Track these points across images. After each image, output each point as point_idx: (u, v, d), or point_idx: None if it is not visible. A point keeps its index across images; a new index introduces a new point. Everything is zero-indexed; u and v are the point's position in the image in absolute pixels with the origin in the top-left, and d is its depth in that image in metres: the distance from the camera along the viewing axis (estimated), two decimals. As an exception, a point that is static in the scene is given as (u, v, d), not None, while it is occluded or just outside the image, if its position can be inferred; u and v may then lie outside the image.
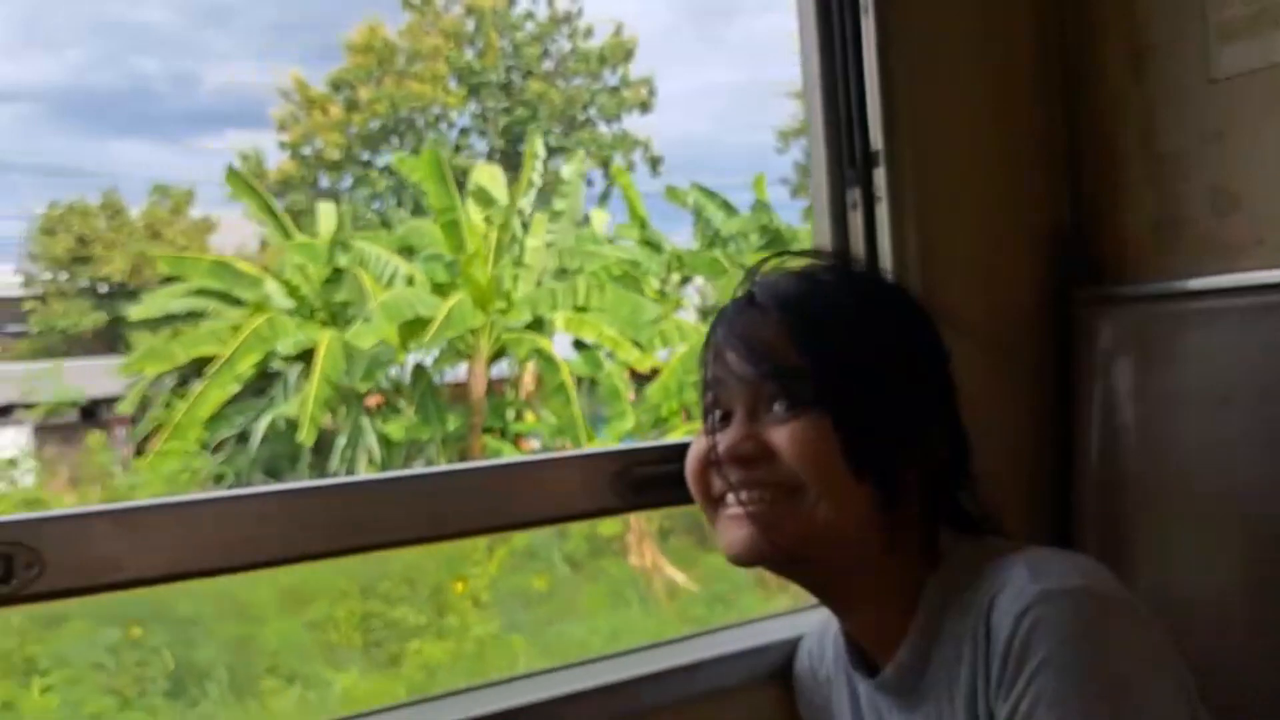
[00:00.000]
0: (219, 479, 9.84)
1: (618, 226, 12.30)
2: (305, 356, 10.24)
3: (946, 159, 1.39)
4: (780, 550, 0.94)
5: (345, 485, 1.11)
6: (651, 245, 11.67)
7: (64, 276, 17.77)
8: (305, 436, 9.50)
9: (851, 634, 1.05)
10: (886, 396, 0.95)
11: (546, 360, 10.07)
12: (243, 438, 10.43)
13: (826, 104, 1.37)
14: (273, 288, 10.86)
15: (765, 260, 1.04)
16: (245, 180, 11.94)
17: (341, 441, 10.21)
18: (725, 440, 0.96)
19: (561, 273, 11.02)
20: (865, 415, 0.93)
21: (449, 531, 1.14)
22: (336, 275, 10.83)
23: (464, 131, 20.68)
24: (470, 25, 20.31)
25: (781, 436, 0.93)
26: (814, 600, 1.34)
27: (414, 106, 19.65)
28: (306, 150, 19.77)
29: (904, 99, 1.35)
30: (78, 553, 0.93)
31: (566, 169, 11.65)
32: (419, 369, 10.75)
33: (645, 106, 21.12)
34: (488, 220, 10.84)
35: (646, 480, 1.21)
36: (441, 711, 1.10)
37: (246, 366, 9.98)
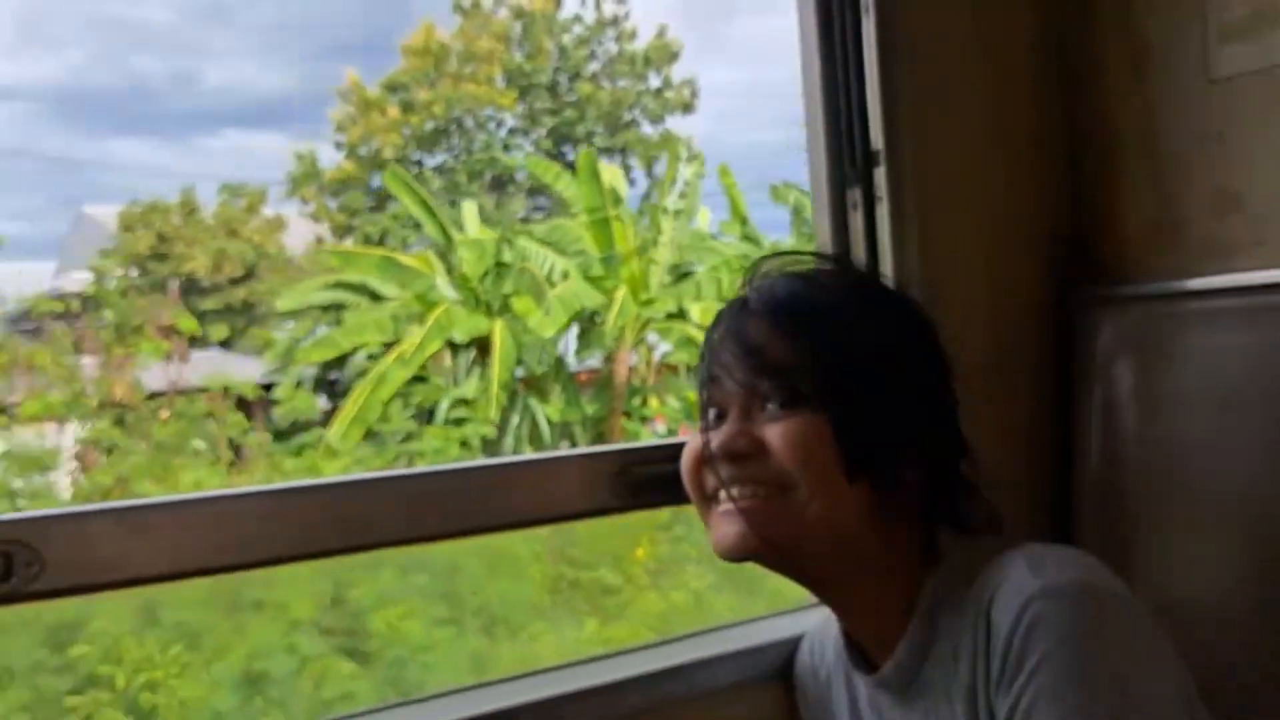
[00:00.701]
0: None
1: (721, 224, 13.16)
2: (471, 343, 11.47)
3: (947, 159, 1.39)
4: (770, 546, 0.94)
5: (344, 484, 1.11)
6: (752, 241, 12.49)
7: (140, 272, 18.25)
8: (494, 414, 10.65)
9: (850, 632, 1.06)
10: (882, 396, 0.95)
11: (696, 347, 10.91)
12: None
13: (827, 104, 1.37)
14: (440, 281, 11.91)
15: (764, 260, 1.05)
16: (405, 180, 12.88)
17: (515, 420, 11.21)
18: (718, 437, 0.97)
19: (675, 268, 12.01)
20: (860, 414, 0.93)
21: (449, 530, 1.14)
22: (498, 269, 11.77)
23: (511, 131, 21.26)
24: (518, 28, 20.87)
25: (774, 434, 0.94)
26: (815, 599, 1.34)
27: (468, 108, 20.33)
28: (362, 151, 20.39)
29: (904, 99, 1.35)
30: (77, 551, 0.93)
31: (688, 170, 12.47)
32: (558, 357, 11.85)
33: (688, 107, 21.56)
34: (617, 218, 11.76)
35: (645, 480, 1.21)
36: (440, 710, 1.10)
37: (429, 352, 10.96)
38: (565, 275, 11.32)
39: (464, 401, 11.01)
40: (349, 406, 10.42)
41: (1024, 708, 0.84)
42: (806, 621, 1.25)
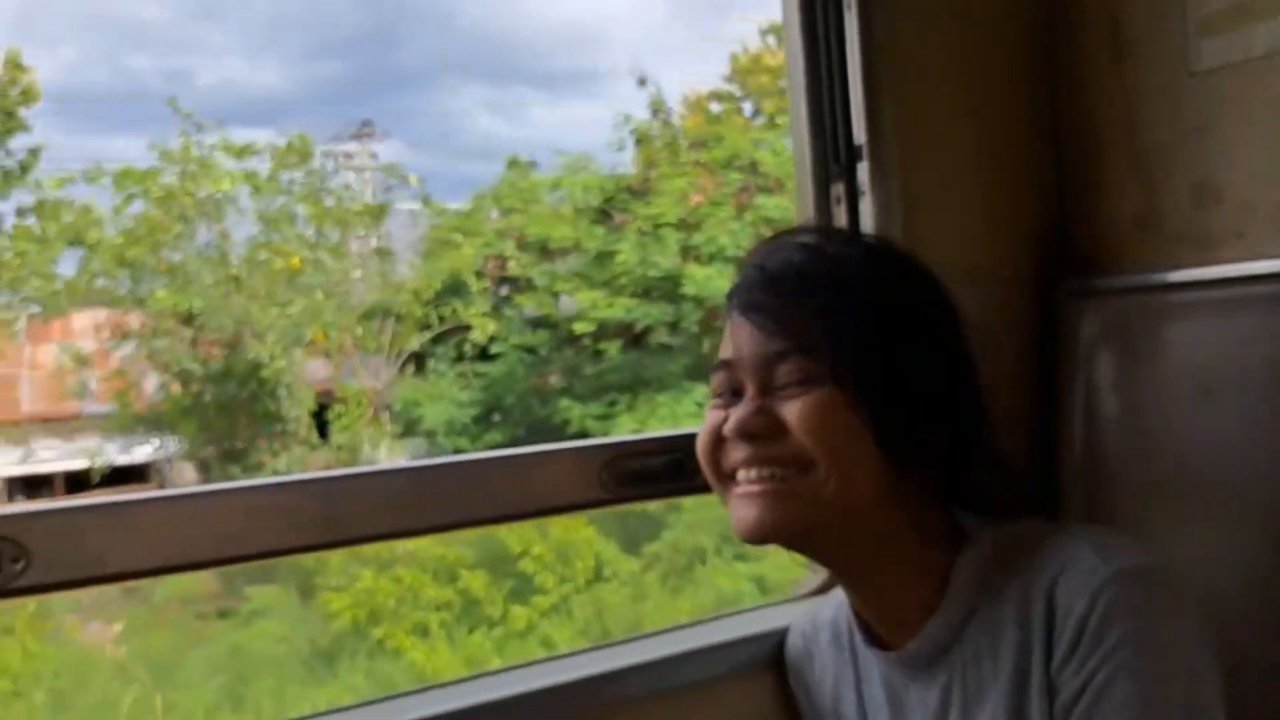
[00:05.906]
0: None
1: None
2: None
3: (930, 153, 1.40)
4: (792, 527, 0.93)
5: (331, 479, 1.10)
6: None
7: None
8: None
9: (863, 611, 1.04)
10: (902, 369, 0.93)
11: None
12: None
13: (810, 98, 1.38)
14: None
15: (779, 236, 1.03)
16: None
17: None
18: (735, 415, 0.94)
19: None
20: (880, 389, 0.91)
21: (436, 524, 1.14)
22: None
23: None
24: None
25: (792, 411, 0.91)
26: (804, 591, 1.35)
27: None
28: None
29: (887, 93, 1.35)
30: (64, 547, 0.92)
31: None
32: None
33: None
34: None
35: (634, 473, 1.21)
36: (435, 702, 1.10)
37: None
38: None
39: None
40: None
41: (1099, 683, 0.86)
42: (796, 612, 1.25)
